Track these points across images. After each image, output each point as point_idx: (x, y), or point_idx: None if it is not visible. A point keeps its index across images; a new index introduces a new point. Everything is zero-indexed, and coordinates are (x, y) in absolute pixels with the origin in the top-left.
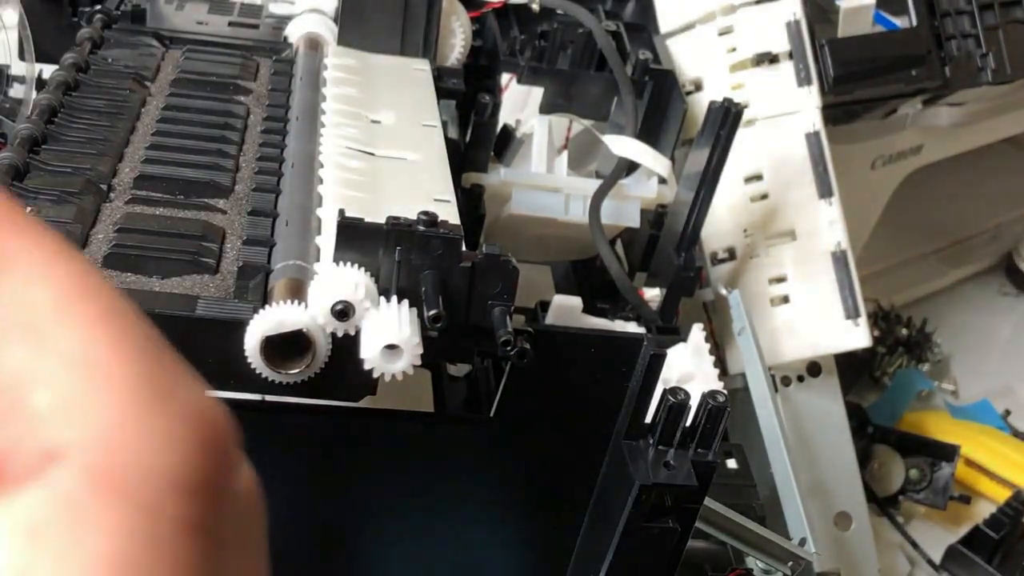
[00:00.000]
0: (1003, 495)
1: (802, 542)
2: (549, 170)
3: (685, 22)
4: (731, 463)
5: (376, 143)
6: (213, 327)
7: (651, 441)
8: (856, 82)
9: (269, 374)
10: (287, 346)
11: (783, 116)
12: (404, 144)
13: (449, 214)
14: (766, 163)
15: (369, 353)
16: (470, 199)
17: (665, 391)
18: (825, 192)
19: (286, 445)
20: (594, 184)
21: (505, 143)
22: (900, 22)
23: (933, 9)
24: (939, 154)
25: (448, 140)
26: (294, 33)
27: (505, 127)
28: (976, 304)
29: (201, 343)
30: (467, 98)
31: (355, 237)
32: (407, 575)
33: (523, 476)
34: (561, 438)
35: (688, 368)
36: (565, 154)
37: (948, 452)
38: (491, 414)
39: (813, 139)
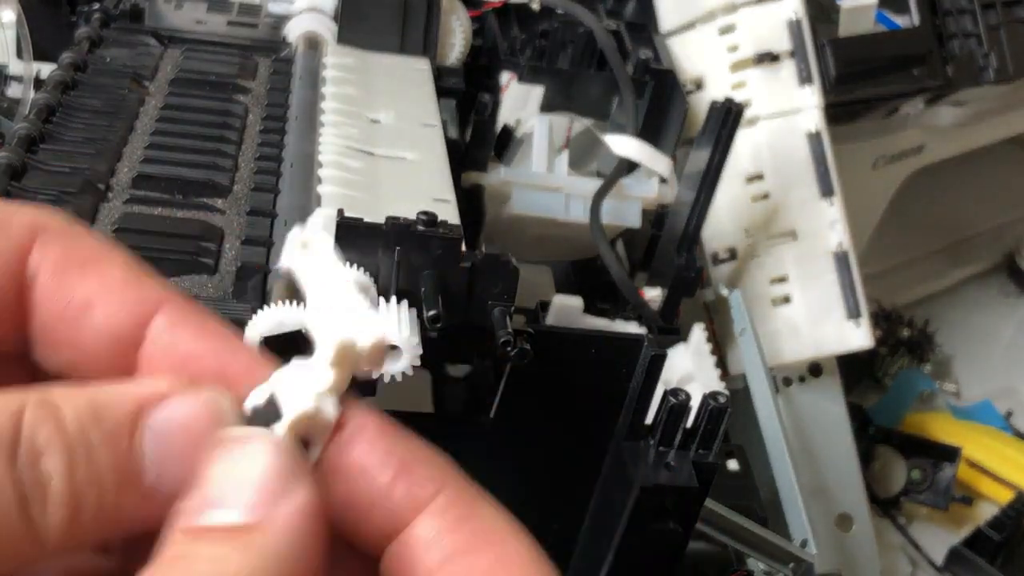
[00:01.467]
0: (1005, 496)
1: (803, 543)
2: (549, 170)
3: (686, 21)
4: (732, 464)
5: (375, 143)
6: None
7: (652, 442)
8: (858, 81)
9: None
10: (286, 347)
11: (784, 115)
12: (403, 143)
13: (449, 214)
14: (767, 163)
15: None
16: (470, 199)
17: (666, 392)
18: (827, 192)
19: None
20: (594, 184)
21: (505, 143)
22: (902, 21)
23: (935, 8)
24: (941, 154)
25: (448, 140)
26: (293, 32)
27: (505, 127)
28: (978, 304)
29: None
30: (467, 98)
31: (354, 237)
32: None
33: (523, 477)
34: (561, 439)
35: (689, 368)
36: (565, 154)
37: (950, 453)
38: (491, 415)
39: (814, 139)
